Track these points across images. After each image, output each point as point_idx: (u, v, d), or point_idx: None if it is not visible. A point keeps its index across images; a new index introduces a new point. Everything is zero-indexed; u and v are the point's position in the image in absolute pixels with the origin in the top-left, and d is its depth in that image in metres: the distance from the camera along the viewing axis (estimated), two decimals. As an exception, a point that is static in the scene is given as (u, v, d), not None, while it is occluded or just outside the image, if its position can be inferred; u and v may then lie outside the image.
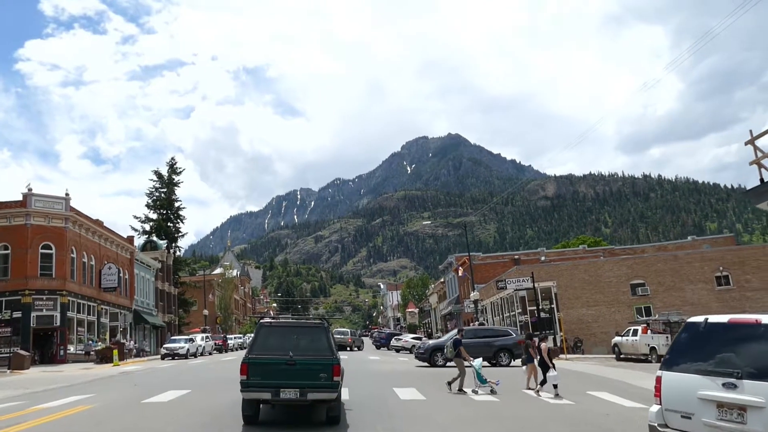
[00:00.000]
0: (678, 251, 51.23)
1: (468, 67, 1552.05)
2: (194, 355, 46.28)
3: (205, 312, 70.50)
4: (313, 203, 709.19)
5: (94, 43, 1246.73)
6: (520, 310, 43.80)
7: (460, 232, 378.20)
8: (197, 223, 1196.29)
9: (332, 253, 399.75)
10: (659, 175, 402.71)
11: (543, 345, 17.68)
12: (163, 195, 73.76)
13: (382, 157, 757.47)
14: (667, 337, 32.92)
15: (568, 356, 38.09)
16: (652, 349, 33.68)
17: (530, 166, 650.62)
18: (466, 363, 18.35)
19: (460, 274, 43.32)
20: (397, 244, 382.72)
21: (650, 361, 33.51)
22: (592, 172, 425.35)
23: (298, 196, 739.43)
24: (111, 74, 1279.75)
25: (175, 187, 75.37)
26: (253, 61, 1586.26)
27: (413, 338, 53.14)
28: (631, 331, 36.21)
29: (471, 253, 62.86)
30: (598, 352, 41.85)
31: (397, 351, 51.31)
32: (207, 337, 54.32)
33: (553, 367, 17.17)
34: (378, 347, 57.76)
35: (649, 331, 34.90)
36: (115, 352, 39.20)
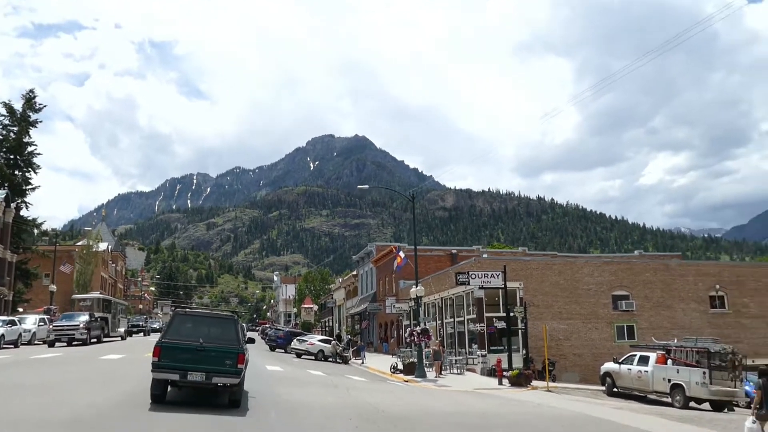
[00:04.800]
0: (670, 260, 42.71)
1: (383, 72, 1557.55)
2: (14, 344, 32.09)
3: (53, 288, 54.73)
4: (209, 189, 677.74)
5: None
6: (473, 316, 33.05)
7: (357, 233, 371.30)
8: (81, 198, 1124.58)
9: (224, 242, 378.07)
10: (552, 199, 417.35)
11: None
12: (12, 134, 57.26)
13: (286, 150, 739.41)
14: (704, 373, 23.12)
15: (538, 385, 27.70)
16: (676, 387, 23.80)
17: (431, 176, 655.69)
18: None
19: (399, 261, 31.84)
20: (292, 239, 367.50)
21: (673, 405, 23.64)
22: (491, 189, 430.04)
23: (195, 181, 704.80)
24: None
25: (31, 128, 58.99)
26: (161, 35, 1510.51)
27: (321, 341, 41.31)
28: (637, 359, 26.33)
29: (396, 244, 51.94)
30: (568, 380, 31.94)
31: (299, 356, 39.42)
32: (46, 320, 39.53)
33: None
34: (273, 348, 45.39)
35: (669, 361, 25.08)
36: None
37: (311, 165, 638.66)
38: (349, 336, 54.91)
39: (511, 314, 28.93)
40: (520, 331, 31.63)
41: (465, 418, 14.04)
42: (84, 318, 32.66)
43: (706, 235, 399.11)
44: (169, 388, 12.63)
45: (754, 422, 12.96)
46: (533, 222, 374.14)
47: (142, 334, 50.49)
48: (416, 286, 31.17)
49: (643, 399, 26.39)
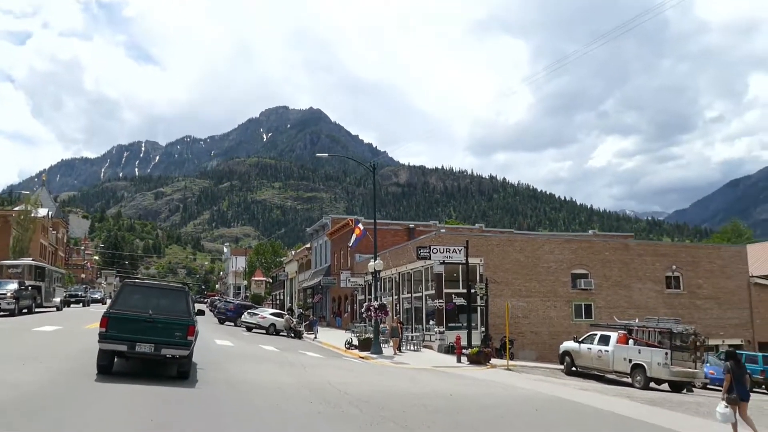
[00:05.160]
0: (629, 240, 42.63)
1: (339, 45, 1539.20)
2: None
3: (-15, 253, 51.56)
4: (158, 158, 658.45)
5: None
6: (432, 291, 32.15)
7: (309, 206, 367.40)
8: (22, 163, 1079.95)
9: (172, 212, 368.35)
10: (504, 178, 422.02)
11: None
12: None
13: (239, 120, 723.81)
14: (666, 354, 22.75)
15: (497, 363, 27.10)
16: (637, 367, 23.42)
17: (386, 152, 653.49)
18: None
19: (358, 233, 30.62)
20: (243, 210, 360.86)
21: (633, 385, 23.28)
22: (444, 167, 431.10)
23: (143, 148, 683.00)
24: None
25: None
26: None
27: (273, 315, 39.89)
28: (598, 338, 25.90)
29: (353, 217, 50.64)
30: (525, 358, 31.54)
31: (249, 330, 38.02)
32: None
33: None
34: (222, 321, 43.72)
35: (630, 341, 24.69)
36: None
37: (264, 136, 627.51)
38: (300, 310, 53.59)
39: (472, 291, 28.12)
40: (479, 308, 30.95)
41: (432, 401, 13.02)
42: (12, 286, 29.96)
43: (650, 218, 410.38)
44: (115, 360, 12.47)
45: (726, 407, 12.33)
46: (485, 200, 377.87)
47: (81, 305, 47.32)
48: (374, 260, 30.02)
49: (601, 378, 26.08)
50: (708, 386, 26.88)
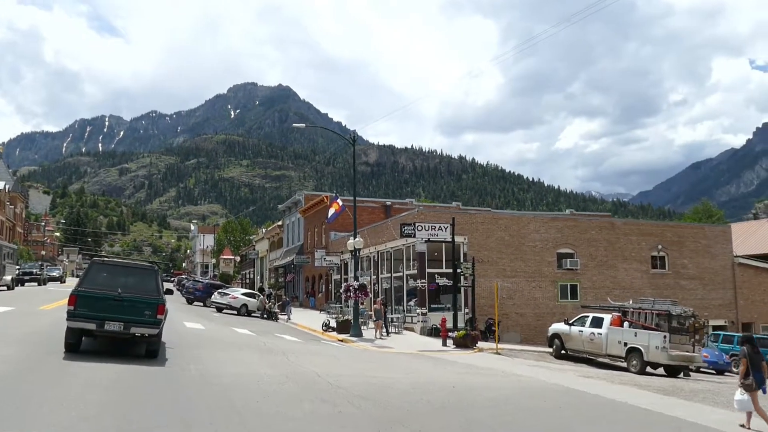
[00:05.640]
0: (615, 219, 41.63)
1: (309, 20, 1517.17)
2: None
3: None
4: (122, 133, 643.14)
5: None
6: (414, 271, 30.57)
7: (278, 185, 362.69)
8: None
9: (137, 189, 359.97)
10: (473, 159, 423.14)
11: None
12: None
13: (206, 96, 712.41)
14: (665, 337, 21.63)
15: (484, 346, 25.87)
16: (633, 351, 22.30)
17: (355, 131, 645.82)
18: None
19: (337, 208, 28.87)
20: (210, 188, 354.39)
21: (629, 369, 22.22)
22: (414, 146, 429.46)
23: (107, 123, 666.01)
24: None
25: None
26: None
27: (245, 295, 38.01)
28: (590, 320, 24.73)
29: (327, 193, 48.74)
30: (510, 340, 30.36)
31: (219, 310, 36.16)
32: None
33: None
34: (190, 301, 41.66)
35: (625, 323, 23.55)
36: None
37: (232, 113, 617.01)
38: (272, 290, 51.71)
39: (458, 271, 26.67)
40: (462, 289, 29.54)
41: (435, 395, 11.50)
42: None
43: (615, 200, 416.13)
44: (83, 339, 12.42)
45: (743, 394, 11.22)
46: (454, 181, 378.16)
47: (36, 283, 43.96)
48: (354, 238, 28.35)
49: (592, 362, 25.01)
50: (701, 369, 26.05)
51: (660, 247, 35.00)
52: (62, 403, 8.01)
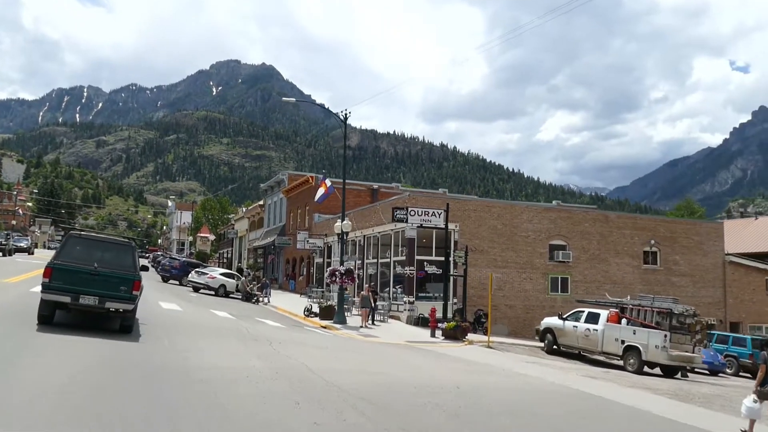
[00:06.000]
0: (608, 211, 40.76)
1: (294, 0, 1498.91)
2: None
3: None
4: (101, 105, 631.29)
5: None
6: (402, 258, 29.38)
7: (258, 165, 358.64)
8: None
9: (114, 162, 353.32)
10: (455, 147, 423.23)
11: None
12: None
13: (188, 72, 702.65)
14: (665, 336, 20.76)
15: (473, 339, 24.89)
16: (631, 349, 21.42)
17: (347, 109, 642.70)
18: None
19: (325, 189, 27.58)
20: (189, 165, 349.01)
21: (625, 368, 21.36)
22: (396, 132, 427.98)
23: (85, 94, 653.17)
24: None
25: None
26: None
27: (224, 275, 36.58)
28: (585, 315, 23.79)
29: (311, 174, 47.28)
30: (498, 333, 29.35)
31: (196, 290, 34.73)
32: None
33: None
34: (165, 279, 40.08)
35: (623, 320, 22.65)
36: None
37: (214, 90, 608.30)
38: (250, 270, 50.27)
39: (450, 259, 25.55)
40: (452, 278, 28.46)
41: (443, 397, 10.33)
42: None
43: (593, 193, 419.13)
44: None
45: (755, 401, 10.32)
46: (435, 168, 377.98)
47: (0, 254, 41.39)
48: (342, 220, 27.09)
49: (583, 359, 24.14)
50: (695, 369, 25.31)
51: (653, 242, 34.25)
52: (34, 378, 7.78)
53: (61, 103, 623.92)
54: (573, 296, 32.18)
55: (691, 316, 21.56)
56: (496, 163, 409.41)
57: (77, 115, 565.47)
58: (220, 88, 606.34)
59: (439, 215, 25.46)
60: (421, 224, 25.87)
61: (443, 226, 25.67)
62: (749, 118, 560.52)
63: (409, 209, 25.68)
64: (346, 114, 27.89)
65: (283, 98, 29.57)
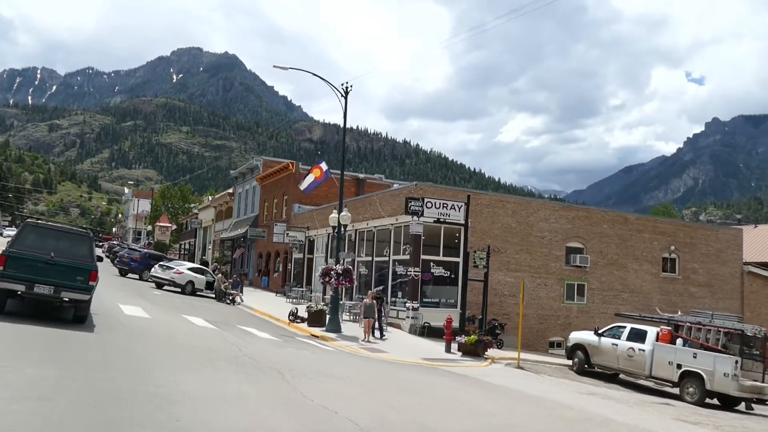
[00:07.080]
0: (627, 213, 37.52)
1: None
2: None
3: None
4: (55, 87, 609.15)
5: None
6: (404, 257, 25.33)
7: (218, 155, 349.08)
8: None
9: (68, 147, 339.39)
10: (417, 144, 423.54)
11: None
12: None
13: (148, 57, 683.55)
14: (736, 362, 17.33)
15: (494, 355, 21.13)
16: (691, 375, 17.94)
17: (300, 106, 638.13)
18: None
19: (318, 175, 23.49)
20: (146, 152, 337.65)
21: (683, 398, 17.92)
22: (359, 127, 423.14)
23: (38, 76, 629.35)
24: None
25: None
26: None
27: (192, 270, 32.04)
28: (627, 332, 20.27)
29: (289, 161, 42.91)
30: (510, 345, 25.68)
31: (159, 287, 30.25)
32: None
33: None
34: (124, 273, 35.26)
35: (679, 340, 19.14)
36: None
37: (174, 77, 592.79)
38: (217, 264, 45.64)
39: (472, 261, 21.72)
40: (459, 282, 24.60)
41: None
42: None
43: (551, 196, 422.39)
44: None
45: None
46: (397, 164, 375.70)
47: None
48: (340, 212, 22.99)
49: (623, 382, 20.67)
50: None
51: (672, 248, 31.11)
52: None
53: (13, 84, 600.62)
54: (589, 305, 28.84)
55: (762, 339, 18.19)
56: (458, 162, 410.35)
57: (29, 98, 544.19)
58: (180, 75, 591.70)
59: (459, 209, 21.68)
60: (438, 218, 21.98)
61: (463, 222, 21.87)
62: (702, 128, 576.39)
63: (426, 200, 21.72)
64: (347, 88, 23.82)
65: (273, 65, 25.14)
